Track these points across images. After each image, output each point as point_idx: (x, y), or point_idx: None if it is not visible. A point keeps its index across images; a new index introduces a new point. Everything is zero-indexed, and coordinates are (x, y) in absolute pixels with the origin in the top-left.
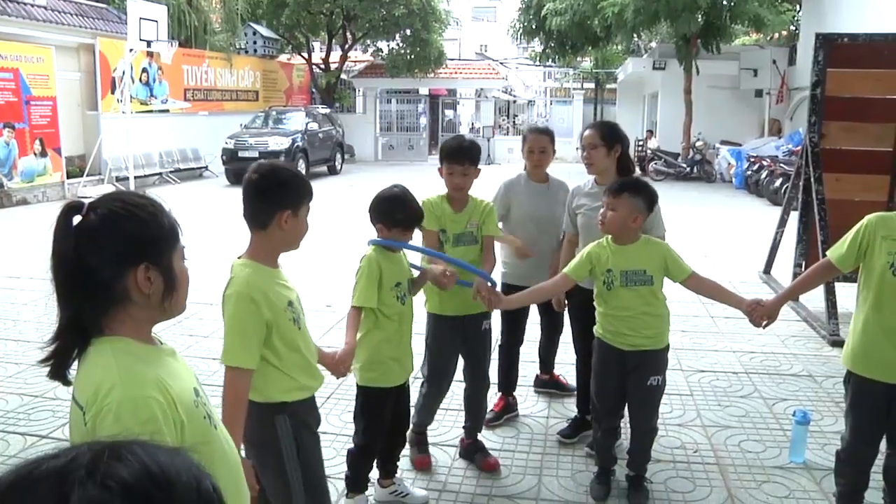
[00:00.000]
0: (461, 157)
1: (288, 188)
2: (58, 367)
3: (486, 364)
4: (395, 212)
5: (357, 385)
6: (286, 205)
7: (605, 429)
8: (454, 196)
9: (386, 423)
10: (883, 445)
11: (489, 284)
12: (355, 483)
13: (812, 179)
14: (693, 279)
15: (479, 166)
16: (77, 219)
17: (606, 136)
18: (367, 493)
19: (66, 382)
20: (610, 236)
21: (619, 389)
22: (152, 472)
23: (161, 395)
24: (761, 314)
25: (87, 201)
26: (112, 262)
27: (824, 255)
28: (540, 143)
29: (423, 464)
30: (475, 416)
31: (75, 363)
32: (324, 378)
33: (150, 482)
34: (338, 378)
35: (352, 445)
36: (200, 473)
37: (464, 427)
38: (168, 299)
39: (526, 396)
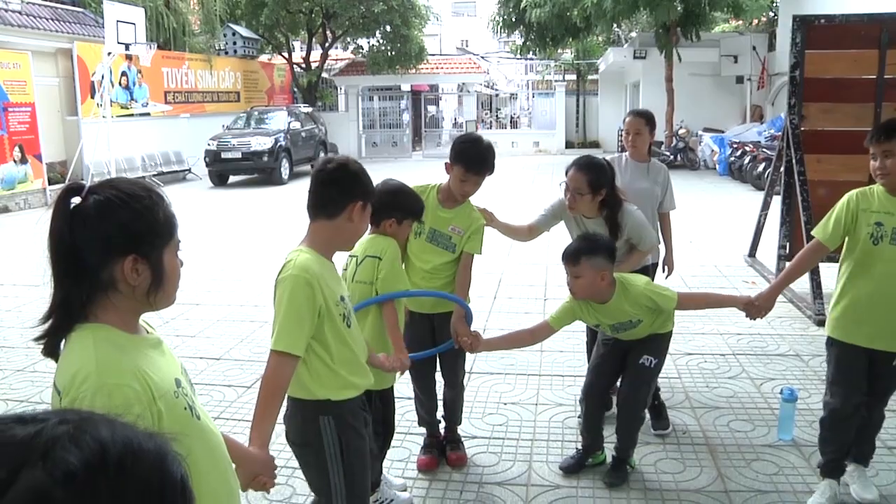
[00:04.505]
0: (482, 167)
1: (361, 180)
2: (50, 345)
3: (460, 368)
4: (406, 202)
5: None
6: (358, 196)
7: (590, 406)
8: (455, 198)
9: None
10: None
11: (468, 327)
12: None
13: (794, 161)
14: (682, 300)
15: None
16: (75, 200)
17: (593, 183)
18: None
19: (58, 360)
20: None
21: (614, 364)
22: (108, 461)
23: (138, 384)
24: (758, 310)
25: (87, 184)
26: (100, 250)
27: (809, 235)
28: (635, 126)
29: (425, 465)
30: (449, 416)
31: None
32: (372, 379)
33: (101, 473)
34: (398, 372)
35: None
36: (172, 466)
37: (443, 417)
38: (154, 293)
39: (515, 384)
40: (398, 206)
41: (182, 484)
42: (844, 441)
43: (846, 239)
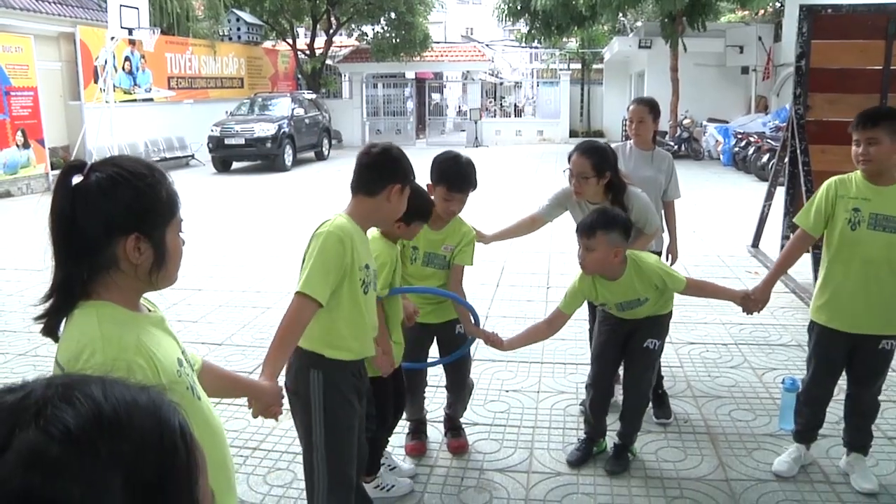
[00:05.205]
0: (466, 185)
1: (400, 165)
2: (50, 325)
3: (466, 370)
4: (415, 205)
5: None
6: (398, 179)
7: (598, 394)
8: (442, 217)
9: (392, 403)
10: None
11: (485, 330)
12: (374, 463)
13: (798, 151)
14: (690, 286)
15: (468, 148)
16: (77, 179)
17: (597, 165)
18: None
19: (57, 340)
20: None
21: (617, 350)
22: (103, 415)
23: (144, 361)
24: (755, 303)
25: (90, 162)
26: (102, 228)
27: (793, 225)
28: (638, 114)
29: (414, 450)
30: (452, 413)
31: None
32: (374, 351)
33: (97, 428)
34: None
35: (366, 432)
36: (168, 414)
37: (445, 411)
38: (156, 272)
39: (517, 371)
40: (409, 206)
41: (181, 429)
42: (816, 416)
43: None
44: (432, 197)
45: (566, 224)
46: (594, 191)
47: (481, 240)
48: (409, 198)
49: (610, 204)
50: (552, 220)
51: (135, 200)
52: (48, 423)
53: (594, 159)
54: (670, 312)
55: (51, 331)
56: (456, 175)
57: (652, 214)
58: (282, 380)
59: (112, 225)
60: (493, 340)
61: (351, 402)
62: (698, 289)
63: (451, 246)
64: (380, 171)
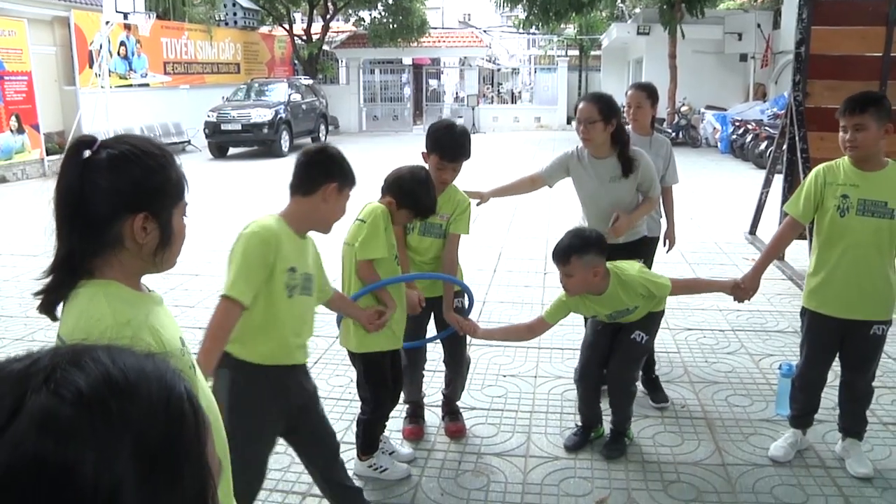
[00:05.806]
0: (458, 154)
1: (337, 163)
2: (48, 302)
3: (463, 344)
4: (416, 196)
5: (355, 353)
6: (334, 178)
7: (585, 389)
8: (436, 186)
9: (391, 385)
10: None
11: (466, 318)
12: (369, 445)
13: (797, 138)
14: (674, 286)
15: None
16: (87, 154)
17: (604, 111)
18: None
19: (54, 318)
20: None
21: (606, 340)
22: (113, 379)
23: (152, 339)
24: (745, 292)
25: (100, 138)
26: (111, 205)
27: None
28: (636, 99)
29: (411, 434)
30: (450, 394)
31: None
32: (300, 359)
33: (108, 391)
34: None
35: (362, 415)
36: (174, 380)
37: (443, 393)
38: (160, 253)
39: (514, 356)
40: (409, 193)
41: (187, 395)
42: (810, 401)
43: (817, 214)
44: (426, 165)
45: (563, 209)
46: (601, 139)
47: (480, 198)
48: (418, 188)
49: (617, 158)
50: (553, 183)
51: (145, 179)
52: (59, 385)
53: (600, 104)
54: (663, 311)
55: (49, 308)
56: (449, 144)
57: (656, 177)
58: None
59: (121, 202)
60: (466, 327)
61: (264, 412)
62: (685, 288)
63: (447, 215)
64: (316, 168)
